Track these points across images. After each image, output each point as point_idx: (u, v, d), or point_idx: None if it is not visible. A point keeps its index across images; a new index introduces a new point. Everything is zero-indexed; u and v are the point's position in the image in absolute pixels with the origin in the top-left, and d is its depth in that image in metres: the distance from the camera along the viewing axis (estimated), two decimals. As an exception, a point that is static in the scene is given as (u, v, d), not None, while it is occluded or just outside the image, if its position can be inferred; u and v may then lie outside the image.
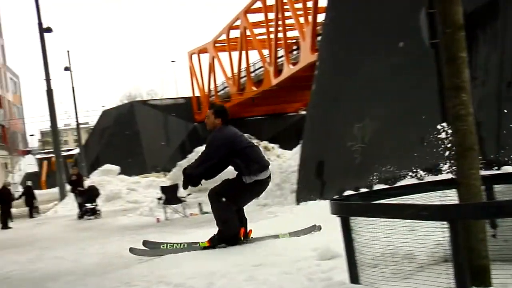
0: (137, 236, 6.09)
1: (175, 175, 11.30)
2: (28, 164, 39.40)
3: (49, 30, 16.99)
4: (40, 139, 59.79)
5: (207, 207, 7.96)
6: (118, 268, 3.87)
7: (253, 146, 3.86)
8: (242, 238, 3.82)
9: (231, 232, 3.78)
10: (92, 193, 11.64)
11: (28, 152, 44.75)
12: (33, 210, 16.01)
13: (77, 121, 26.88)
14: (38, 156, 43.81)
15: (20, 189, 30.80)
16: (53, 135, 17.95)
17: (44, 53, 16.45)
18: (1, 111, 38.40)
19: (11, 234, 9.79)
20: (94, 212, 11.30)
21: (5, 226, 12.86)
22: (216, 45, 25.61)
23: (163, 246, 4.06)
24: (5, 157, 36.73)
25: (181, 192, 8.71)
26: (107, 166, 15.87)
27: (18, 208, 18.39)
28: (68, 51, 31.80)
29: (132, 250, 4.10)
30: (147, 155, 26.85)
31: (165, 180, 14.11)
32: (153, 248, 4.09)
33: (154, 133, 27.28)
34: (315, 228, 4.08)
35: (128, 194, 14.17)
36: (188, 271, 3.12)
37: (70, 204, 13.99)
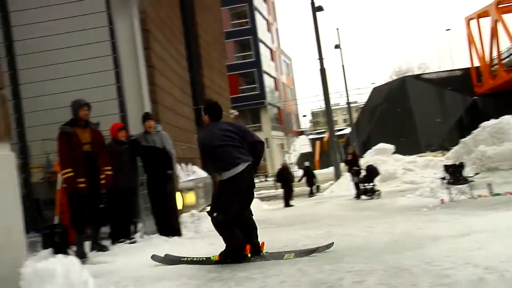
0: (423, 217, 6.23)
1: (458, 153, 11.32)
2: (302, 145, 44.86)
3: (320, 9, 18.77)
4: (311, 120, 66.62)
5: (498, 188, 8.23)
6: (412, 247, 4.05)
7: (224, 146, 3.89)
8: (249, 254, 3.98)
9: (234, 247, 3.98)
10: (371, 173, 12.08)
11: (301, 132, 50.72)
12: (313, 189, 18.15)
13: (347, 99, 28.62)
14: (311, 136, 49.01)
15: (296, 169, 35.66)
16: (327, 114, 19.66)
17: (317, 32, 18.29)
18: (276, 94, 45.15)
19: (294, 212, 11.28)
20: (373, 192, 11.81)
21: (287, 204, 15.16)
22: (500, 6, 24.15)
23: (183, 259, 4.37)
24: (281, 138, 42.97)
25: (467, 172, 8.73)
26: (381, 145, 16.45)
27: (299, 187, 21.34)
28: (337, 29, 33.84)
29: (153, 256, 4.51)
30: (421, 133, 26.52)
31: (443, 159, 13.89)
32: (172, 260, 4.45)
33: (428, 109, 26.83)
34: (322, 248, 4.14)
35: (404, 174, 14.45)
36: (496, 253, 3.11)
37: (345, 184, 15.18)
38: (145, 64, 8.72)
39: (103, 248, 5.60)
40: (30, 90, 6.79)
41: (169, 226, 6.12)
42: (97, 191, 5.56)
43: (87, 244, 5.54)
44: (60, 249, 5.32)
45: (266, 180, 33.98)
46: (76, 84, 6.90)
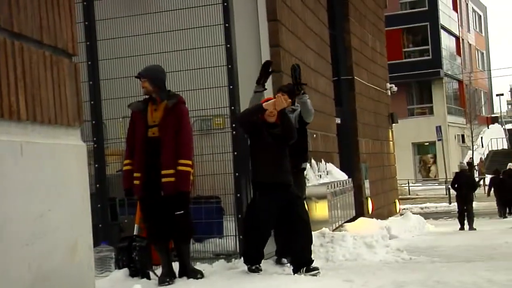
0: None
1: None
2: (494, 138, 42.31)
3: None
4: (510, 101, 61.71)
5: None
6: None
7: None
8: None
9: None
10: None
11: (494, 119, 47.69)
12: (508, 208, 17.17)
13: None
14: (509, 126, 45.83)
15: (482, 174, 33.89)
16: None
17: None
18: (458, 60, 43.01)
19: (475, 239, 10.83)
20: None
21: (465, 227, 14.64)
22: None
23: None
24: (462, 126, 40.96)
25: None
26: None
27: (485, 202, 20.06)
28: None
29: None
30: None
31: None
32: None
33: None
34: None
35: None
36: None
37: None
38: (267, 17, 8.83)
39: (197, 274, 5.62)
40: (109, 52, 7.22)
41: (296, 252, 6.04)
42: (160, 195, 5.56)
43: (176, 266, 5.67)
44: (139, 269, 5.55)
45: (434, 189, 32.88)
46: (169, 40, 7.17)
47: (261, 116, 6.10)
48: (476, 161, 36.32)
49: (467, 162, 36.55)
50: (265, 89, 6.55)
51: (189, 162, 5.65)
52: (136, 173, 5.57)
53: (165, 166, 5.52)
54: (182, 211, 5.57)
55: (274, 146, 6.07)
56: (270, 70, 6.64)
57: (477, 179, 18.92)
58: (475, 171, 34.29)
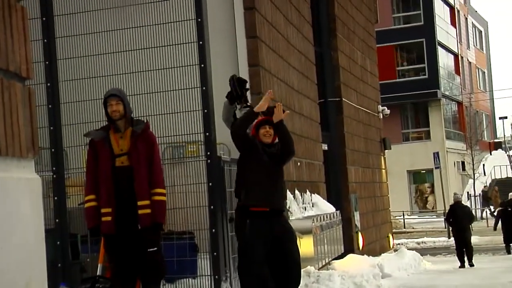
0: None
1: None
2: (498, 165, 42.63)
3: None
4: (515, 124, 61.86)
5: None
6: None
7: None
8: None
9: None
10: None
11: (498, 145, 48.00)
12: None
13: None
14: (513, 152, 46.09)
15: (482, 205, 33.93)
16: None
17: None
18: (457, 80, 43.52)
19: (476, 278, 10.99)
20: None
21: (465, 264, 14.67)
22: None
23: None
24: (462, 152, 41.33)
25: None
26: None
27: (488, 236, 20.02)
28: None
29: None
30: None
31: None
32: None
33: None
34: None
35: None
36: None
37: None
38: (245, 33, 8.95)
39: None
40: (70, 72, 7.25)
41: None
42: (134, 230, 5.59)
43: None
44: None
45: (431, 221, 33.05)
46: (136, 59, 7.22)
47: (256, 136, 6.27)
48: (478, 191, 36.56)
49: (482, 190, 36.77)
50: (251, 105, 6.72)
51: (164, 191, 5.75)
52: (105, 208, 5.61)
53: (140, 197, 5.60)
54: (155, 248, 5.61)
55: (269, 166, 6.21)
56: (246, 87, 6.83)
57: (473, 211, 18.87)
58: (490, 202, 34.49)
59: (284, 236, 6.16)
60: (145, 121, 5.95)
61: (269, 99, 6.25)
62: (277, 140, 6.41)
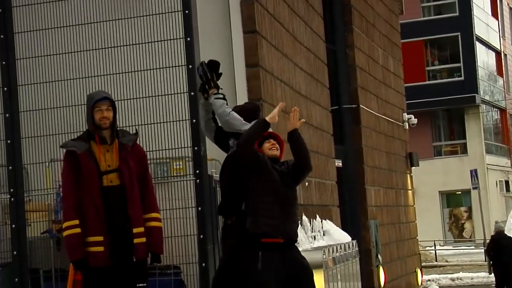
0: None
1: None
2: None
3: None
4: None
5: None
6: None
7: None
8: None
9: None
10: None
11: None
12: None
13: None
14: None
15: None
16: None
17: None
18: (500, 82, 43.40)
19: None
20: None
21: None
22: None
23: None
24: (505, 169, 41.25)
25: None
26: None
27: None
28: None
29: None
30: None
31: None
32: None
33: None
34: None
35: None
36: None
37: None
38: (242, 27, 9.00)
39: None
40: (31, 75, 7.28)
41: None
42: (129, 261, 5.66)
43: None
44: None
45: (469, 253, 32.97)
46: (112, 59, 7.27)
47: (260, 151, 6.31)
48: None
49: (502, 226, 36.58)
50: (223, 95, 6.65)
51: (159, 215, 5.91)
52: (95, 236, 5.62)
53: (135, 223, 5.69)
54: (145, 284, 5.74)
55: (281, 187, 6.24)
56: (219, 72, 6.76)
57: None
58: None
59: (301, 275, 6.18)
60: (135, 131, 6.04)
61: (281, 110, 6.31)
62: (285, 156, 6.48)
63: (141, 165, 5.84)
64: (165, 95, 7.17)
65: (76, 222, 5.63)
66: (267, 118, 6.22)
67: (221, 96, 6.55)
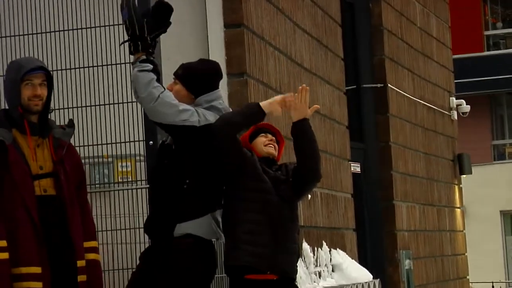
0: None
1: None
2: None
3: None
4: None
5: None
6: None
7: None
8: None
9: None
10: None
11: None
12: None
13: None
14: None
15: None
16: None
17: None
18: None
19: None
20: None
21: None
22: None
23: None
24: None
25: None
26: None
27: None
28: None
29: None
30: None
31: None
32: None
33: None
34: None
35: None
36: None
37: None
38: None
39: None
40: None
41: None
42: None
43: None
44: None
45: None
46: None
47: (251, 146, 6.34)
48: None
49: None
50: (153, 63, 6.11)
51: (97, 244, 6.02)
52: (30, 266, 5.64)
53: (79, 253, 5.78)
54: None
55: (274, 200, 6.21)
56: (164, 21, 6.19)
57: None
58: None
59: None
60: (71, 120, 6.10)
61: (303, 107, 6.23)
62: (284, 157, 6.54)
63: (76, 172, 5.90)
64: (106, 65, 7.26)
65: (4, 244, 5.59)
66: (263, 105, 6.18)
67: (149, 66, 6.00)
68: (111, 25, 7.35)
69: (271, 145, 6.32)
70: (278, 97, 6.22)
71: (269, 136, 6.35)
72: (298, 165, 6.26)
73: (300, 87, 6.31)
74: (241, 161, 6.12)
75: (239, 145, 6.15)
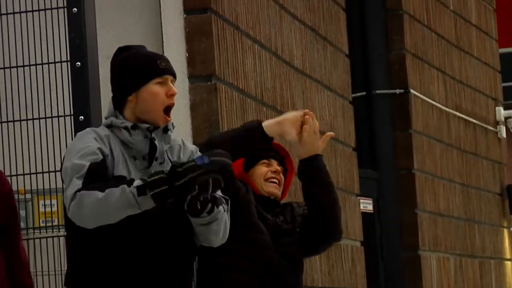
0: None
1: None
2: None
3: None
4: None
5: None
6: None
7: None
8: None
9: None
10: None
11: None
12: None
13: None
14: None
15: None
16: None
17: None
18: None
19: None
20: None
21: None
22: None
23: None
24: None
25: None
26: None
27: None
28: None
29: None
30: None
31: None
32: None
33: None
34: None
35: None
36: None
37: None
38: None
39: None
40: None
41: None
42: None
43: None
44: None
45: None
46: None
47: (247, 178, 6.42)
48: None
49: None
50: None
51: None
52: None
53: None
54: None
55: (275, 259, 6.31)
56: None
57: None
58: None
59: None
60: None
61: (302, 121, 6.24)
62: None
63: (3, 210, 6.07)
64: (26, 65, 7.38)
65: None
66: (267, 126, 6.13)
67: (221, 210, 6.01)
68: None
69: (274, 180, 6.36)
70: (292, 115, 6.22)
71: (274, 164, 6.40)
72: (310, 217, 6.34)
73: (304, 112, 6.29)
74: (230, 193, 5.83)
75: (233, 175, 6.12)
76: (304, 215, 6.29)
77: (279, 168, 6.33)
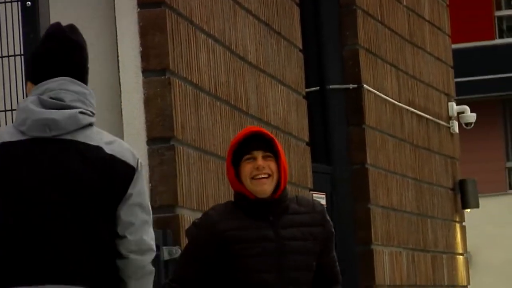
0: None
1: None
2: None
3: None
4: None
5: None
6: None
7: None
8: None
9: None
10: None
11: None
12: None
13: None
14: None
15: None
16: None
17: None
18: None
19: None
20: None
21: None
22: None
23: None
24: None
25: None
26: None
27: None
28: None
29: None
30: None
31: None
32: None
33: None
34: None
35: None
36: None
37: None
38: None
39: None
40: None
41: None
42: None
43: None
44: None
45: None
46: None
47: (243, 189, 6.23)
48: None
49: None
50: None
51: None
52: None
53: None
54: None
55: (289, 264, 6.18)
56: None
57: None
58: None
59: None
60: None
61: None
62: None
63: None
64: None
65: None
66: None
67: None
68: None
69: (261, 176, 6.12)
70: None
71: (259, 156, 6.15)
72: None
73: None
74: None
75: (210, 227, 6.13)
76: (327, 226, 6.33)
77: (261, 163, 6.05)
